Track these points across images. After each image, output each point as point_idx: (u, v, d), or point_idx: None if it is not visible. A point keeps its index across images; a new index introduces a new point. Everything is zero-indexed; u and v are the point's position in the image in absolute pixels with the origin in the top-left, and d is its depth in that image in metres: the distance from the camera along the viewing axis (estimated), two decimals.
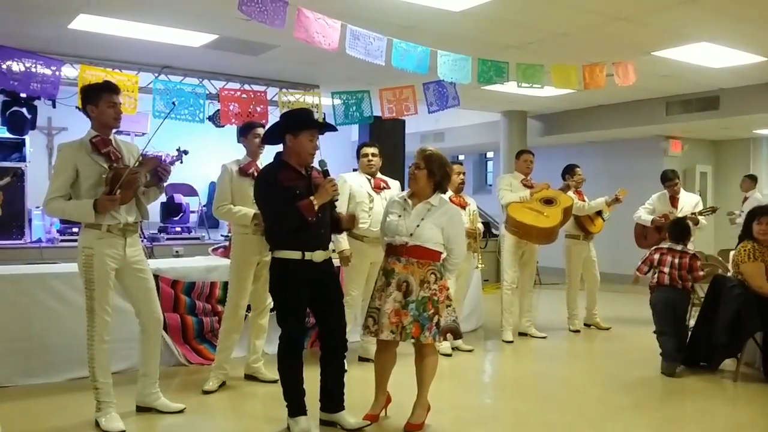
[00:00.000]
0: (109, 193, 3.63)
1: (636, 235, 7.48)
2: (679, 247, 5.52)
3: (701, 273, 5.42)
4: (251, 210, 4.46)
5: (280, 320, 3.71)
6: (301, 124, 3.71)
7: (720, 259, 6.77)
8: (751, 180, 9.55)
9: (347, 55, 5.11)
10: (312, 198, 3.59)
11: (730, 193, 11.32)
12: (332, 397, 3.81)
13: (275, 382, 4.53)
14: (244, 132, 4.73)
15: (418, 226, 3.73)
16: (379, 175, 5.32)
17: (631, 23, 5.77)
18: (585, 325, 7.11)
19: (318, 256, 3.67)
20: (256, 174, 4.58)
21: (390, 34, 5.38)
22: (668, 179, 7.23)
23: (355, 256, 5.03)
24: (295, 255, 3.62)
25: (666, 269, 5.45)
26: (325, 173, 3.75)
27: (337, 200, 3.80)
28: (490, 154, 14.67)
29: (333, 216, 3.92)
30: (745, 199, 9.34)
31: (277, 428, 3.79)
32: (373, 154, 5.26)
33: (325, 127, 3.97)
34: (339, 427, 3.79)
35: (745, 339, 5.01)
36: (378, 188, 5.20)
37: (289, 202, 3.57)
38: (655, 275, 5.55)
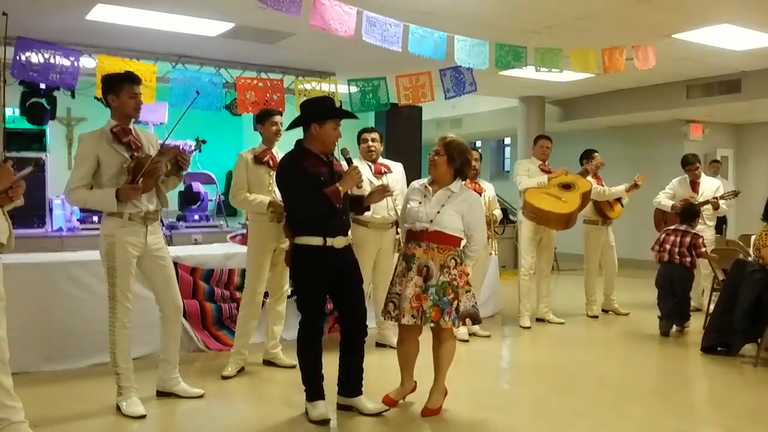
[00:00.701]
0: (132, 182, 3.67)
1: (656, 220, 7.42)
2: (683, 228, 6.06)
3: (703, 249, 6.01)
4: (267, 197, 4.51)
5: (300, 306, 3.75)
6: (327, 113, 3.73)
7: (741, 243, 6.70)
8: None
9: (363, 42, 5.09)
10: (338, 184, 3.63)
11: (751, 177, 11.18)
12: (350, 382, 3.84)
13: (293, 367, 4.60)
14: (261, 119, 4.75)
15: (438, 212, 3.74)
16: (380, 160, 5.28)
17: (650, 6, 5.69)
18: (603, 311, 7.07)
19: (339, 242, 3.70)
20: (271, 162, 4.61)
21: (407, 19, 5.36)
22: (689, 163, 7.15)
23: (360, 242, 4.97)
24: (317, 241, 3.65)
25: (667, 247, 6.09)
26: (349, 161, 3.79)
27: (360, 187, 3.82)
28: (507, 141, 14.59)
29: (352, 197, 3.95)
30: None
31: (295, 413, 3.83)
32: (373, 140, 5.20)
33: (348, 115, 3.98)
34: (356, 412, 3.82)
35: (766, 323, 4.96)
36: (379, 173, 5.17)
37: (314, 189, 3.60)
38: (659, 254, 6.16)
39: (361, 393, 3.87)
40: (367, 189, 5.02)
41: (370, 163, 5.20)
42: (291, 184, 3.71)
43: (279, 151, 4.74)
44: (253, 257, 4.64)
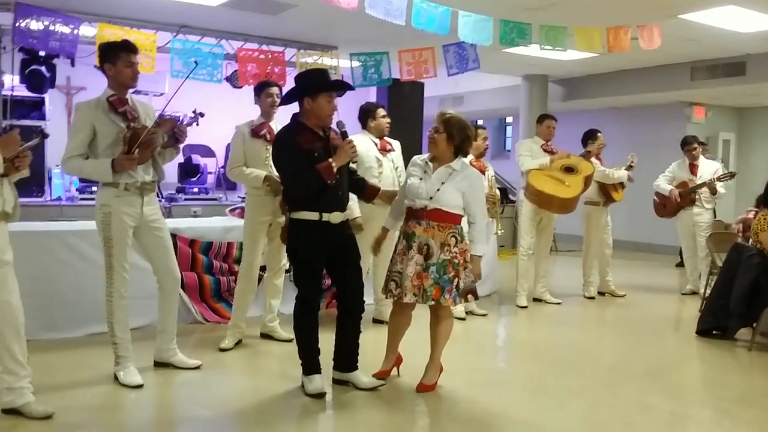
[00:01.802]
0: (128, 152, 3.65)
1: (655, 204, 7.42)
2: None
3: None
4: (263, 172, 4.49)
5: (297, 280, 3.75)
6: (319, 86, 3.67)
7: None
8: None
9: (366, 16, 5.05)
10: (331, 160, 3.58)
11: (753, 161, 11.15)
12: (347, 357, 3.86)
13: (290, 341, 4.62)
14: (258, 91, 4.72)
15: (438, 189, 3.71)
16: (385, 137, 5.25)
17: None
18: (599, 293, 7.08)
19: (335, 217, 3.68)
20: (268, 135, 4.58)
21: None
22: (687, 144, 7.17)
23: (366, 219, 4.98)
24: (313, 216, 3.63)
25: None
26: (344, 135, 3.73)
27: (355, 162, 3.79)
28: (509, 119, 14.52)
29: (352, 178, 3.92)
30: None
31: (292, 386, 3.85)
32: (385, 115, 5.18)
33: (343, 87, 3.93)
34: (352, 386, 3.84)
35: (762, 308, 4.97)
36: (384, 150, 5.15)
37: (308, 165, 3.56)
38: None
39: (356, 368, 3.89)
40: (374, 167, 5.01)
41: (376, 140, 5.16)
42: (285, 160, 3.68)
43: (278, 124, 4.71)
44: (249, 231, 4.64)
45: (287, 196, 3.78)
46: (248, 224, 4.65)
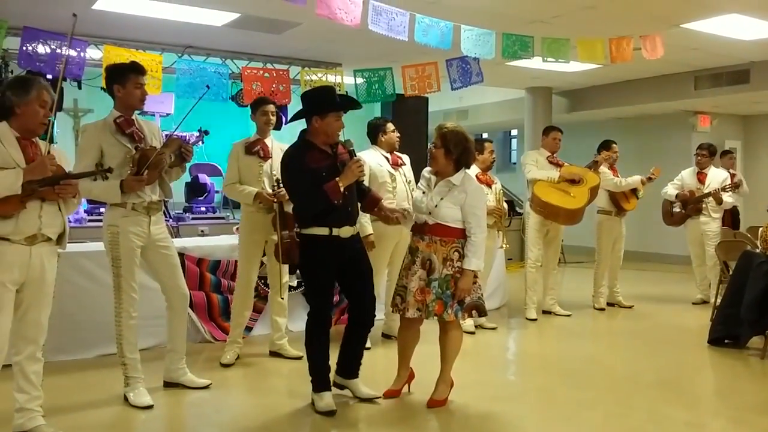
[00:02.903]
0: (137, 173, 3.67)
1: (663, 212, 7.41)
2: None
3: None
4: (255, 189, 4.52)
5: (309, 296, 3.76)
6: (328, 105, 3.68)
7: (749, 235, 6.66)
8: None
9: (369, 32, 5.08)
10: (338, 180, 3.58)
11: (759, 169, 11.11)
12: (350, 364, 3.89)
13: (299, 358, 4.63)
14: (254, 109, 4.74)
15: (436, 205, 3.71)
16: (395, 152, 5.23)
17: None
18: (608, 304, 7.03)
19: (345, 232, 3.68)
20: (262, 152, 4.60)
21: (413, 9, 5.33)
22: (698, 148, 7.17)
23: (378, 236, 4.94)
24: (323, 231, 3.64)
25: None
26: (351, 153, 3.73)
27: (362, 180, 3.80)
28: (514, 132, 14.54)
29: (361, 189, 3.91)
30: None
31: (301, 404, 3.83)
32: (392, 131, 5.16)
33: (351, 106, 3.94)
34: (350, 394, 3.88)
35: None
36: (396, 165, 5.15)
37: (315, 185, 3.57)
38: None
39: (357, 376, 3.92)
40: (388, 182, 4.99)
41: (387, 155, 5.13)
42: (292, 180, 3.71)
43: (274, 141, 4.73)
44: (243, 248, 4.67)
45: (296, 213, 3.79)
46: (243, 242, 4.68)
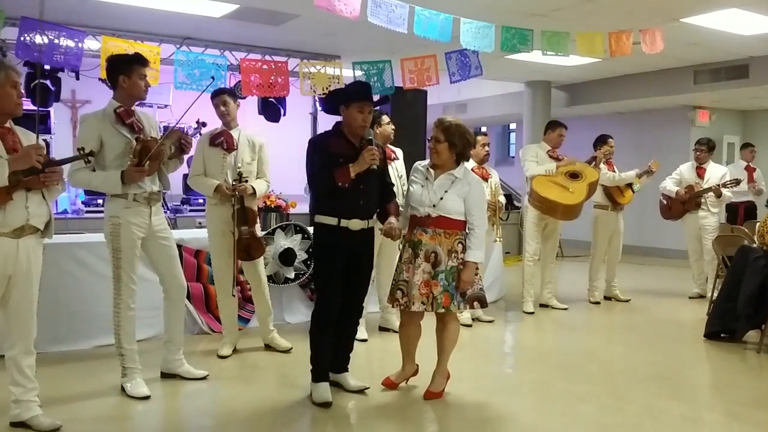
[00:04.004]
0: (138, 164, 3.66)
1: (661, 206, 7.41)
2: None
3: None
4: (215, 181, 4.49)
5: (317, 283, 3.81)
6: (352, 95, 3.70)
7: (746, 230, 6.67)
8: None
9: (368, 25, 5.06)
10: (350, 165, 3.59)
11: (758, 163, 11.08)
12: (339, 358, 3.90)
13: (290, 351, 4.71)
14: (211, 99, 4.63)
15: (441, 198, 3.71)
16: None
17: None
18: (605, 297, 7.05)
19: (354, 224, 3.67)
20: (225, 143, 4.56)
21: (412, 1, 5.31)
22: (696, 143, 7.19)
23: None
24: (331, 221, 3.65)
25: None
26: (368, 142, 3.69)
27: (375, 168, 3.68)
28: (513, 126, 14.53)
29: (386, 192, 3.85)
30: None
31: (299, 395, 3.84)
32: (389, 122, 5.08)
33: (378, 101, 3.94)
34: (340, 387, 3.89)
35: None
36: (389, 159, 5.08)
37: (328, 167, 3.59)
38: None
39: (347, 370, 3.94)
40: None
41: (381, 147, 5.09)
42: (310, 159, 3.71)
43: (243, 133, 4.65)
44: (211, 241, 4.66)
45: (312, 198, 3.79)
46: (209, 235, 4.67)
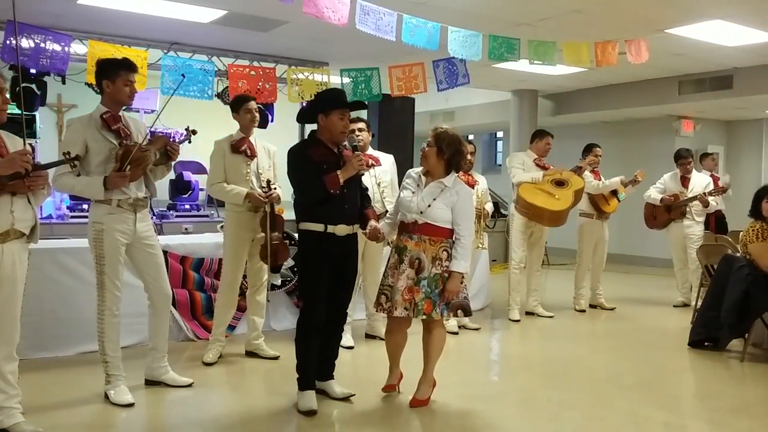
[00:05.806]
0: (119, 169, 3.64)
1: (645, 215, 7.47)
2: None
3: None
4: (244, 189, 4.48)
5: (303, 291, 3.79)
6: (331, 103, 3.73)
7: (730, 239, 6.74)
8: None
9: (357, 32, 5.07)
10: (338, 172, 3.62)
11: (741, 174, 11.23)
12: (324, 366, 3.90)
13: (276, 358, 4.68)
14: (235, 107, 4.65)
15: (429, 206, 3.73)
16: (369, 151, 5.09)
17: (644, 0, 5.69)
18: (590, 306, 7.09)
19: (340, 230, 3.69)
20: (249, 150, 4.57)
21: (400, 9, 5.34)
22: (681, 157, 7.21)
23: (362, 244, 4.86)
24: (318, 227, 3.66)
25: None
26: (354, 149, 3.77)
27: (362, 175, 3.78)
28: (500, 134, 14.59)
29: (363, 195, 3.92)
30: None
31: (284, 403, 3.83)
32: (360, 129, 4.96)
33: (356, 106, 3.97)
34: (325, 395, 3.88)
35: (753, 319, 4.99)
36: (366, 165, 5.07)
37: (315, 175, 3.61)
38: None
39: (332, 377, 3.94)
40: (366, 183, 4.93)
41: None
42: (294, 170, 3.71)
43: (257, 139, 4.68)
44: (230, 248, 4.62)
45: (295, 207, 3.79)
46: (229, 241, 4.64)
